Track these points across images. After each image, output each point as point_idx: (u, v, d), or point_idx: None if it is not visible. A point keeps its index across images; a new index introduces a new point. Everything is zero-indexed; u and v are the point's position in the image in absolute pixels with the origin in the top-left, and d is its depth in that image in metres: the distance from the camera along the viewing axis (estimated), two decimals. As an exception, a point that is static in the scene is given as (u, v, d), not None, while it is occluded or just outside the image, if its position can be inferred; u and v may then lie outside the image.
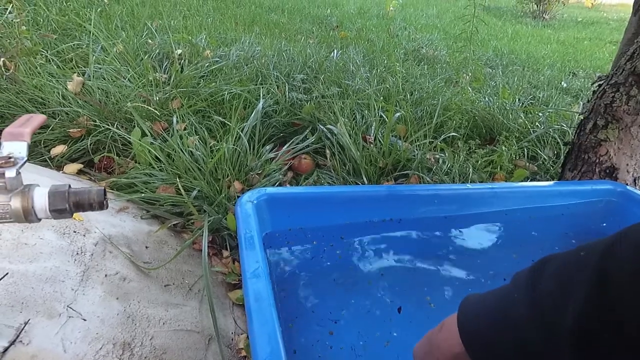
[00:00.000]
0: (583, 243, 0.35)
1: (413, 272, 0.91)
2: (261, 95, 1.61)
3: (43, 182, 1.07)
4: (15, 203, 0.39)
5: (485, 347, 0.37)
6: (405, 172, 1.42)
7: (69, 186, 0.42)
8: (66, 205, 0.41)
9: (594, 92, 1.30)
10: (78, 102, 1.45)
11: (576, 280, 0.31)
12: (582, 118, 1.32)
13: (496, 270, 0.93)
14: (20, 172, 0.40)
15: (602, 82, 1.28)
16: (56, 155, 1.31)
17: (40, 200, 0.40)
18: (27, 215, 0.40)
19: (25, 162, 0.41)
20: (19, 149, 0.41)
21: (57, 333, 0.70)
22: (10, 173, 0.38)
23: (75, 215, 0.90)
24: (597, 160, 1.25)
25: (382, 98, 1.84)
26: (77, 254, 0.85)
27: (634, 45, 1.18)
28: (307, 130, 1.56)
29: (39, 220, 0.41)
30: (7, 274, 0.69)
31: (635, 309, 0.27)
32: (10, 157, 0.39)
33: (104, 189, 0.43)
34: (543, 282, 0.34)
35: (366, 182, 1.36)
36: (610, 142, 1.22)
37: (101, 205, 0.43)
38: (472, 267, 0.94)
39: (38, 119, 0.45)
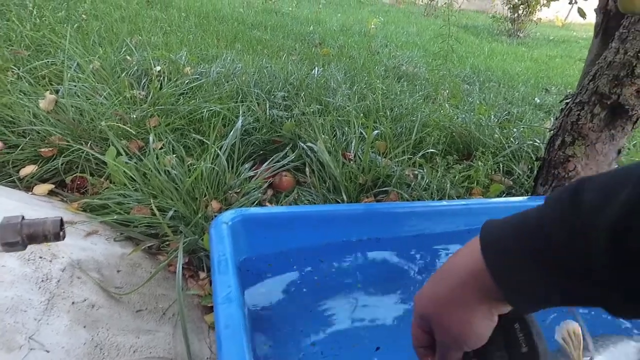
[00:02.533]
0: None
1: (392, 291, 0.90)
2: (241, 113, 1.60)
3: (10, 205, 1.03)
4: (-37, 237, 0.37)
5: (505, 254, 0.33)
6: (384, 188, 1.42)
7: (22, 217, 0.40)
8: (18, 238, 0.39)
9: (561, 110, 1.35)
10: (50, 121, 1.42)
11: (620, 186, 0.29)
12: (551, 134, 1.36)
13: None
14: (-32, 203, 0.38)
15: (569, 100, 1.32)
16: (26, 176, 1.27)
17: (-9, 233, 0.38)
18: (-24, 249, 0.38)
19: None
20: (-32, 179, 0.38)
21: (17, 367, 0.66)
22: (-45, 206, 0.36)
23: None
24: (566, 175, 1.28)
25: (362, 115, 1.85)
26: (42, 281, 0.81)
27: (595, 67, 1.23)
28: (288, 148, 1.55)
29: (-10, 253, 0.39)
30: (-38, 306, 0.65)
31: None
32: (-44, 189, 0.37)
33: (61, 219, 0.41)
34: (584, 193, 0.31)
35: (346, 199, 1.36)
36: (578, 158, 1.26)
37: (57, 237, 0.41)
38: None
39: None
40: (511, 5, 7.25)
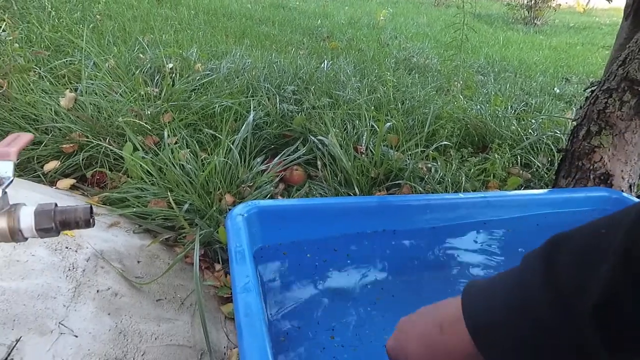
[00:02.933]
0: (597, 218, 0.33)
1: (408, 283, 0.91)
2: (252, 108, 1.62)
3: (35, 198, 1.07)
4: (2, 223, 0.40)
5: (501, 341, 0.33)
6: (397, 182, 1.43)
7: (55, 205, 0.43)
8: (52, 224, 0.42)
9: (586, 98, 1.29)
10: (70, 118, 1.46)
11: (598, 260, 0.29)
12: (575, 124, 1.30)
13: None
14: (6, 191, 0.41)
15: (595, 88, 1.26)
16: (49, 171, 1.32)
17: (27, 219, 0.41)
18: (14, 235, 0.41)
19: (11, 182, 0.41)
20: (5, 168, 0.41)
21: (49, 350, 0.70)
22: (-4, 194, 0.39)
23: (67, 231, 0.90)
24: (592, 167, 1.23)
25: (373, 108, 1.86)
26: (69, 270, 0.85)
27: (626, 51, 1.17)
28: (299, 142, 1.57)
29: (26, 239, 0.42)
30: (-3, 292, 0.69)
31: None
32: (-4, 178, 0.40)
33: (91, 207, 0.44)
34: (560, 263, 0.31)
35: (358, 193, 1.37)
36: (604, 149, 1.20)
37: (87, 223, 0.43)
38: (466, 277, 0.94)
39: (25, 137, 0.46)
40: (528, -8, 7.07)
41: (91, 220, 0.44)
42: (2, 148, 0.42)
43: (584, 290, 0.29)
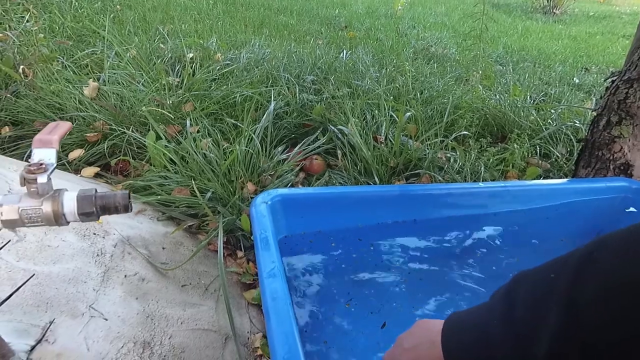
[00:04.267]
0: (555, 257, 0.35)
1: (431, 273, 0.91)
2: (272, 97, 1.63)
3: (62, 186, 1.10)
4: (47, 207, 0.41)
5: None
6: (416, 171, 1.43)
7: (96, 190, 0.44)
8: (93, 209, 0.43)
9: (607, 88, 1.29)
10: (94, 107, 1.49)
11: (546, 305, 0.32)
12: (595, 115, 1.30)
13: (513, 270, 0.93)
14: (50, 177, 0.42)
15: (615, 78, 1.26)
16: (74, 159, 1.35)
17: (70, 204, 0.42)
18: (57, 219, 0.42)
19: (54, 168, 0.43)
20: (48, 155, 0.43)
21: (81, 332, 0.72)
22: (42, 179, 0.40)
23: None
24: (612, 157, 1.24)
25: (392, 98, 1.84)
26: (98, 255, 0.87)
27: None
28: (318, 131, 1.57)
29: (68, 223, 0.43)
30: (33, 275, 0.71)
31: (602, 331, 0.28)
32: (41, 164, 0.41)
33: (129, 192, 0.45)
34: (517, 307, 0.34)
35: (377, 182, 1.37)
36: (625, 139, 1.21)
37: (126, 208, 0.44)
38: (487, 267, 0.94)
39: (65, 126, 0.47)
40: (548, -19, 6.90)
41: (129, 205, 0.45)
42: (45, 136, 0.43)
43: (537, 339, 0.31)
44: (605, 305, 0.28)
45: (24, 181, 0.41)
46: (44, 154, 0.42)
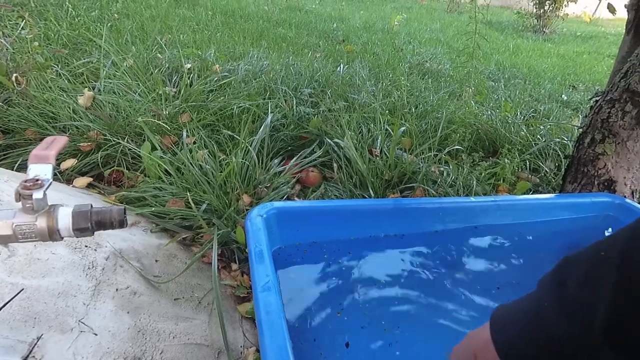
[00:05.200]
0: (600, 240, 0.36)
1: (423, 287, 0.91)
2: (269, 110, 1.63)
3: (54, 197, 1.09)
4: (41, 223, 0.41)
5: (521, 356, 0.37)
6: (410, 184, 1.43)
7: (91, 206, 0.44)
8: (89, 224, 0.42)
9: (591, 107, 1.33)
10: (88, 117, 1.48)
11: (601, 281, 0.32)
12: (580, 132, 1.34)
13: (501, 282, 0.93)
14: (46, 193, 0.41)
15: (599, 97, 1.31)
16: (66, 169, 1.33)
17: (65, 220, 0.41)
18: (52, 235, 0.41)
19: (50, 184, 0.42)
20: (44, 171, 0.42)
21: (69, 348, 0.71)
22: (37, 195, 0.40)
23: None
24: (596, 173, 1.27)
25: (387, 111, 1.86)
26: (89, 268, 0.86)
27: (627, 64, 1.22)
28: (315, 144, 1.57)
29: (62, 238, 0.43)
30: (22, 289, 0.70)
31: None
32: (37, 180, 0.41)
33: (124, 208, 0.45)
34: (569, 286, 0.35)
35: (372, 195, 1.37)
36: (608, 156, 1.24)
37: (121, 224, 0.44)
38: (478, 280, 0.94)
39: (61, 140, 0.46)
40: (537, 1, 7.08)
41: (125, 220, 0.44)
42: (41, 151, 0.43)
43: (593, 312, 0.32)
44: None
45: (19, 197, 0.40)
46: (40, 169, 0.42)
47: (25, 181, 0.41)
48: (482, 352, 0.40)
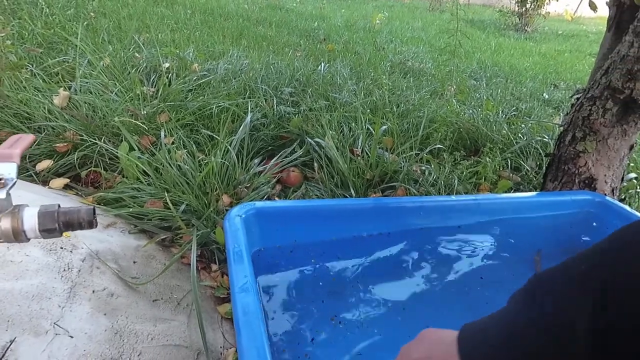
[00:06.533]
0: (572, 255, 0.35)
1: (401, 286, 0.92)
2: (249, 109, 1.62)
3: (28, 198, 1.06)
4: (5, 224, 0.40)
5: None
6: (392, 184, 1.44)
7: (59, 206, 0.43)
8: (56, 225, 0.42)
9: (572, 105, 1.34)
10: (64, 117, 1.45)
11: (579, 298, 0.31)
12: (561, 130, 1.35)
13: (485, 280, 0.95)
14: (9, 193, 0.41)
15: (580, 95, 1.32)
16: (42, 170, 1.30)
17: (30, 220, 0.41)
18: (17, 236, 0.40)
19: (14, 183, 0.41)
20: (8, 170, 0.41)
21: (44, 351, 0.69)
22: (1, 194, 0.39)
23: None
24: (577, 171, 1.28)
25: (369, 111, 1.87)
26: (64, 270, 0.84)
27: (608, 61, 1.22)
28: (295, 144, 1.57)
29: (28, 240, 0.42)
30: (-7, 292, 0.68)
31: (634, 318, 0.28)
32: (0, 179, 0.40)
33: (94, 208, 0.44)
34: (545, 304, 0.34)
35: (354, 195, 1.38)
36: (589, 154, 1.25)
37: (90, 224, 0.43)
38: (461, 278, 0.95)
39: (27, 139, 0.46)
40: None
41: (94, 221, 0.44)
42: (5, 150, 0.42)
43: (573, 329, 0.31)
44: (632, 294, 0.29)
45: (-19, 197, 0.39)
46: (4, 168, 0.41)
47: (-12, 181, 0.40)
48: None
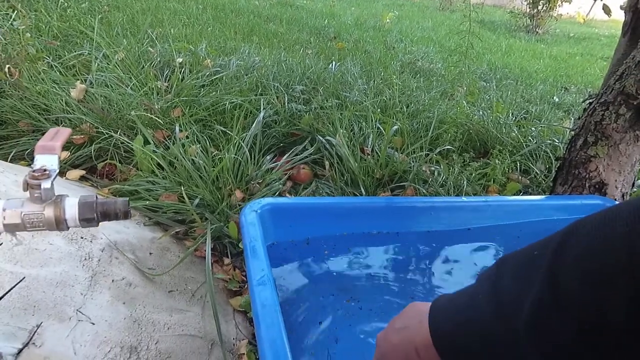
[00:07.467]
0: (540, 239, 0.37)
1: (410, 284, 0.94)
2: (261, 106, 1.64)
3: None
4: (49, 212, 0.42)
5: (455, 345, 0.39)
6: (401, 183, 1.46)
7: (97, 196, 0.45)
8: (94, 215, 0.44)
9: (584, 109, 1.34)
10: (81, 109, 1.48)
11: (530, 278, 0.33)
12: (573, 134, 1.35)
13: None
14: (53, 183, 0.43)
15: (592, 100, 1.32)
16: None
17: (71, 210, 0.43)
18: (59, 224, 0.43)
19: (57, 174, 0.43)
20: (51, 161, 0.43)
21: (68, 336, 0.72)
22: (46, 184, 0.41)
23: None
24: (587, 176, 1.28)
25: (379, 110, 1.88)
26: (85, 259, 0.87)
27: (622, 66, 1.21)
28: (306, 141, 1.59)
29: (68, 228, 0.44)
30: (24, 278, 0.71)
31: (582, 304, 0.30)
32: (45, 170, 0.42)
33: (128, 200, 0.46)
34: (503, 280, 0.36)
35: (364, 193, 1.40)
36: (600, 159, 1.25)
37: (126, 215, 0.45)
38: (468, 279, 0.97)
39: (65, 132, 0.48)
40: (531, 1, 7.11)
41: (129, 212, 0.46)
42: (47, 142, 0.44)
43: (520, 308, 0.33)
44: (579, 285, 0.30)
45: (27, 186, 0.42)
46: (47, 160, 0.43)
47: (34, 171, 0.42)
48: (424, 347, 0.41)
